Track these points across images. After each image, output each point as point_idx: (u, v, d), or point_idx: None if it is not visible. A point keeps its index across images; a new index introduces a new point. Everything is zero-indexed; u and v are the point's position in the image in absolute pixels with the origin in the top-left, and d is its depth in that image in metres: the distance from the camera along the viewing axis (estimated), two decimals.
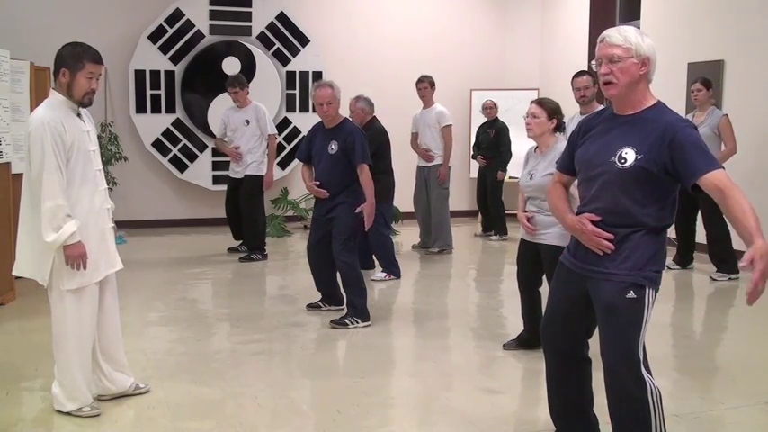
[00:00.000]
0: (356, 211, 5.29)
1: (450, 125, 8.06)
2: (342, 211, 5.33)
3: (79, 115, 3.64)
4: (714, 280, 6.85)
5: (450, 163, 8.19)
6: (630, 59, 2.73)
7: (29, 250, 3.59)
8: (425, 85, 8.11)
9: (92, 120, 3.79)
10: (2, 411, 3.76)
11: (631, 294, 2.74)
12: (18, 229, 3.65)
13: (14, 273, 3.73)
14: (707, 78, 7.09)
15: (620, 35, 2.76)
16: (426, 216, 8.27)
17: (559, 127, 4.48)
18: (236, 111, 7.87)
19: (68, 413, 3.65)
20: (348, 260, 5.30)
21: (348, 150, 5.30)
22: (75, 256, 3.46)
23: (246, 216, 7.81)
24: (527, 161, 4.62)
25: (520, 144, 8.87)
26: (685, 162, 2.65)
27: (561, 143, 4.38)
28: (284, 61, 10.00)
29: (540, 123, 4.43)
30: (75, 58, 3.51)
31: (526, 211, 4.52)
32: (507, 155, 9.12)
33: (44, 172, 3.40)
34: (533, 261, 4.52)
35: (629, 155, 2.72)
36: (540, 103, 4.49)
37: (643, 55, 2.74)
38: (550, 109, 4.43)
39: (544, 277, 4.58)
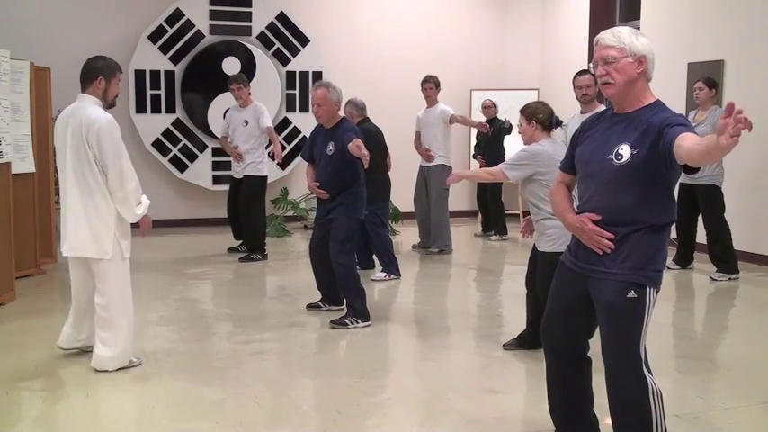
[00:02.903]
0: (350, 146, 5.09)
1: (454, 116, 8.14)
2: (339, 213, 5.32)
3: None
4: (714, 280, 6.85)
5: (451, 163, 8.20)
6: (625, 59, 2.76)
7: (87, 231, 4.14)
8: (431, 86, 8.13)
9: None
10: (2, 411, 3.76)
11: (632, 294, 2.75)
12: (67, 217, 4.18)
13: (73, 254, 4.23)
14: (711, 78, 7.08)
15: (613, 36, 2.80)
16: (426, 216, 8.27)
17: (551, 125, 4.47)
18: (238, 111, 7.88)
19: (120, 368, 4.25)
20: (344, 262, 5.29)
21: (344, 148, 5.28)
22: (148, 223, 4.31)
23: (245, 217, 7.81)
24: None
25: (522, 144, 8.87)
26: (666, 136, 2.63)
27: (540, 143, 4.38)
28: (284, 61, 10.00)
29: (524, 130, 4.50)
30: (110, 68, 4.24)
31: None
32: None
33: (122, 159, 4.11)
34: (536, 262, 4.52)
35: (625, 151, 2.74)
36: (521, 110, 4.54)
37: (638, 53, 2.76)
38: (527, 113, 4.47)
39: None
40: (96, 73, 4.21)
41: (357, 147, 5.09)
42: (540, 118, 4.44)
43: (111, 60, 4.31)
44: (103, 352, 4.24)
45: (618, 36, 2.78)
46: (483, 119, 9.34)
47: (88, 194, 4.13)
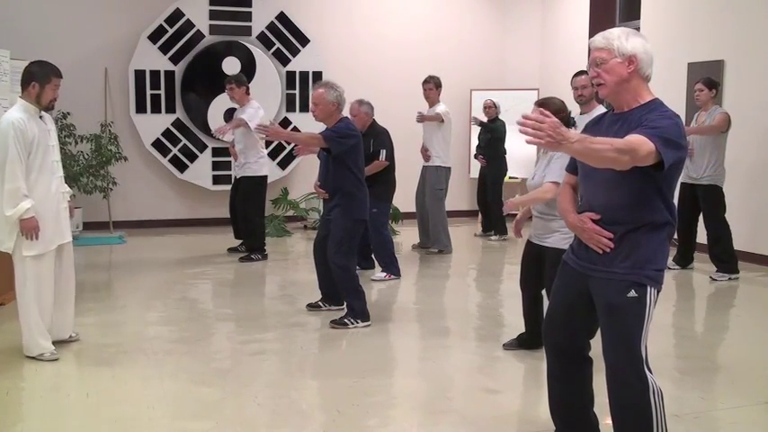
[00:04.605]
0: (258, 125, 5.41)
1: (438, 113, 8.00)
2: (337, 215, 5.33)
3: (42, 117, 4.47)
4: (714, 280, 6.85)
5: (449, 164, 8.19)
6: (614, 60, 2.79)
7: None
8: (431, 86, 8.13)
9: (52, 121, 4.66)
10: (2, 411, 3.76)
11: (632, 293, 2.75)
12: None
13: None
14: (711, 79, 7.07)
15: (603, 38, 2.83)
16: (425, 216, 8.26)
17: (567, 123, 4.43)
18: (237, 110, 7.88)
19: (33, 357, 4.45)
20: (340, 263, 5.28)
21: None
22: (28, 228, 4.30)
23: (243, 218, 7.81)
24: (537, 160, 4.60)
25: (522, 144, 8.87)
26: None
27: None
28: (284, 61, 10.00)
29: None
30: (45, 74, 4.40)
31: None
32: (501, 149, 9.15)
33: (7, 161, 4.23)
34: (536, 262, 4.51)
35: None
36: (541, 104, 4.43)
37: (627, 53, 2.78)
38: (553, 110, 4.36)
39: None
40: (31, 78, 4.40)
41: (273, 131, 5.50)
42: (563, 116, 4.37)
43: (50, 66, 4.47)
44: (24, 340, 4.51)
45: (607, 38, 2.82)
46: (485, 119, 9.31)
47: (1, 191, 4.36)
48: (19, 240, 4.34)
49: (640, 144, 2.60)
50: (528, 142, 2.50)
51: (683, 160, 2.75)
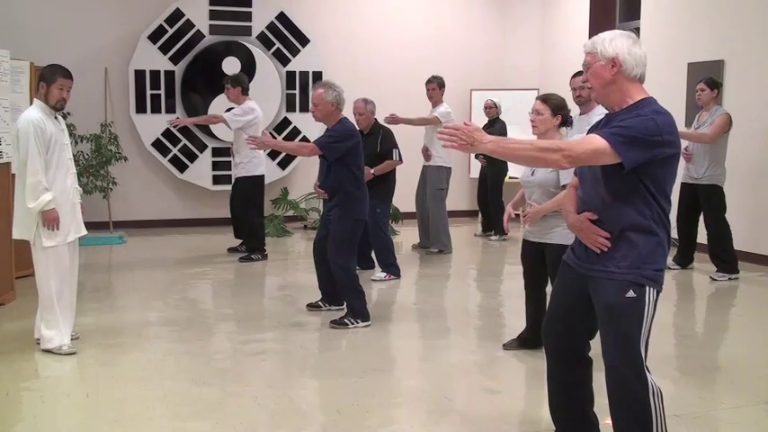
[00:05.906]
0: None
1: (435, 116, 7.92)
2: (336, 215, 5.33)
3: (56, 118, 4.70)
4: (714, 280, 6.85)
5: (450, 163, 8.19)
6: (598, 63, 2.81)
7: (20, 217, 4.60)
8: (434, 86, 8.12)
9: (64, 122, 4.85)
10: (2, 411, 3.76)
11: (631, 294, 2.75)
12: (14, 204, 4.69)
13: (13, 237, 4.74)
14: (713, 79, 7.06)
15: (590, 42, 2.87)
16: (425, 216, 8.26)
17: (566, 122, 4.44)
18: None
19: (50, 351, 4.56)
20: (340, 263, 5.29)
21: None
22: (50, 219, 4.50)
23: (241, 218, 7.81)
24: None
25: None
26: None
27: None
28: (284, 61, 10.00)
29: (544, 120, 4.38)
30: (50, 74, 4.60)
31: (522, 211, 4.53)
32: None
33: (29, 157, 4.45)
34: (540, 261, 4.52)
35: None
36: (545, 99, 4.45)
37: (609, 56, 2.79)
38: (555, 105, 4.38)
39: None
40: (40, 79, 4.64)
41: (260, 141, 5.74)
42: (565, 113, 4.40)
43: (59, 67, 4.65)
44: (43, 331, 4.61)
45: (594, 41, 2.85)
46: (485, 119, 9.31)
47: (21, 185, 4.55)
48: (38, 233, 4.51)
49: (579, 142, 2.65)
50: (444, 146, 2.72)
51: (663, 157, 2.70)
